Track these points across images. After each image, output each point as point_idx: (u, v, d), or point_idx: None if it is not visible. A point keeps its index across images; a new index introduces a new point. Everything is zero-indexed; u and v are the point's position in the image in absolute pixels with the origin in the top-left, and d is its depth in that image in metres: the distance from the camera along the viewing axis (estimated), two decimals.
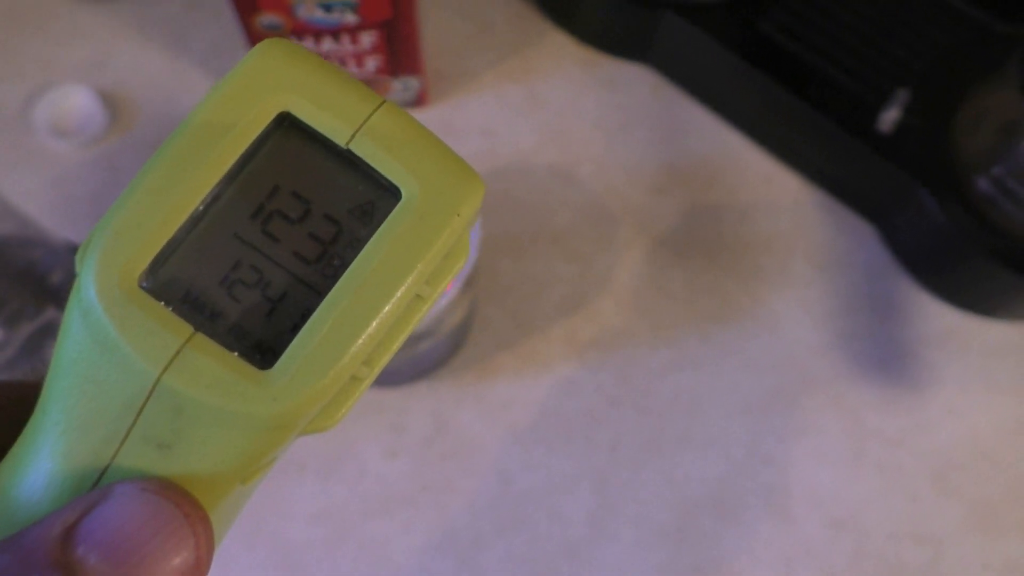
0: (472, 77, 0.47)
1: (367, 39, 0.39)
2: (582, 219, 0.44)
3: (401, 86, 0.43)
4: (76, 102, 0.43)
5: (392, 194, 0.16)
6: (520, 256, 0.43)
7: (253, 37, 0.38)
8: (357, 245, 0.16)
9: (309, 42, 0.39)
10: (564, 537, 0.38)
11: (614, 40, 0.47)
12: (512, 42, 0.48)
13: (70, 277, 0.34)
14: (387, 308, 0.15)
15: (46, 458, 0.15)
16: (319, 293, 0.16)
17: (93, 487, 0.15)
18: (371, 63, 0.41)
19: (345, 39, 0.39)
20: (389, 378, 0.39)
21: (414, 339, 0.33)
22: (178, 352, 0.15)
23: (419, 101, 0.45)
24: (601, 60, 0.48)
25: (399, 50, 0.40)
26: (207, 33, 0.46)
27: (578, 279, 0.43)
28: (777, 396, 0.41)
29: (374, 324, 0.15)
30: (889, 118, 0.41)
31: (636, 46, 0.46)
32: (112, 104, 0.44)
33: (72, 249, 0.37)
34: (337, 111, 0.16)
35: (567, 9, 0.47)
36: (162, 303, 0.15)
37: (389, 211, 0.16)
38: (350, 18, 0.37)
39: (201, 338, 0.15)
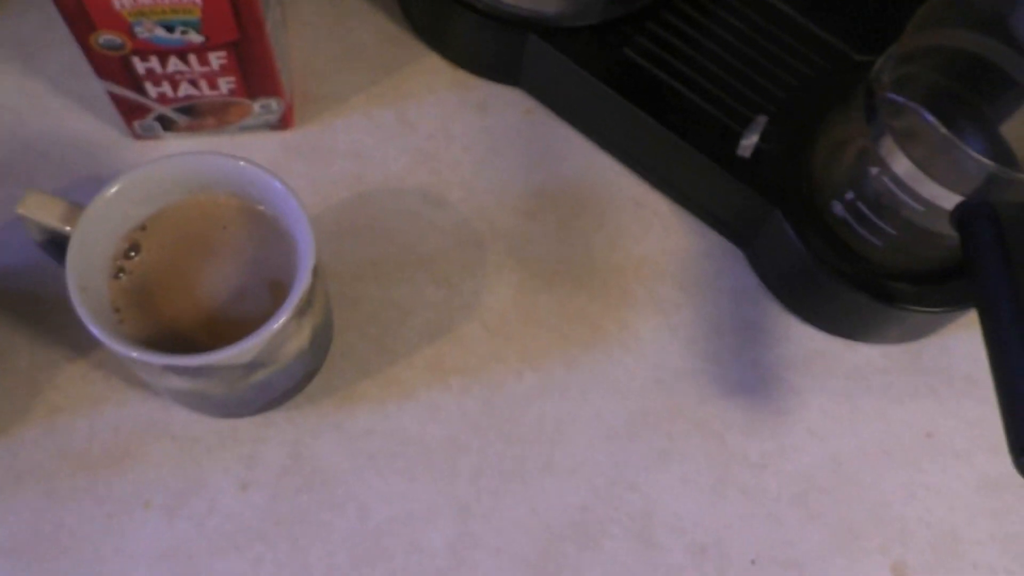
0: (341, 99, 0.46)
1: (216, 60, 0.38)
2: (450, 244, 0.44)
3: (260, 108, 0.42)
4: None
5: None
6: (385, 282, 0.42)
7: (93, 57, 0.37)
8: None
9: (154, 62, 0.37)
10: (422, 569, 0.37)
11: (485, 63, 0.47)
12: (384, 63, 0.47)
13: None
14: None
15: None
16: None
17: None
18: (224, 84, 0.40)
19: (193, 59, 0.38)
20: (235, 408, 0.37)
21: (246, 368, 0.31)
22: None
23: (283, 124, 0.44)
24: (474, 83, 0.47)
25: (252, 71, 0.39)
26: (62, 54, 0.45)
27: (445, 304, 0.42)
28: (642, 422, 0.41)
29: None
30: (748, 144, 0.41)
31: (507, 69, 0.46)
32: None
33: None
34: None
35: (438, 31, 0.47)
36: None
37: None
38: (195, 38, 0.36)
39: None
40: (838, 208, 0.40)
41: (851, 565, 0.40)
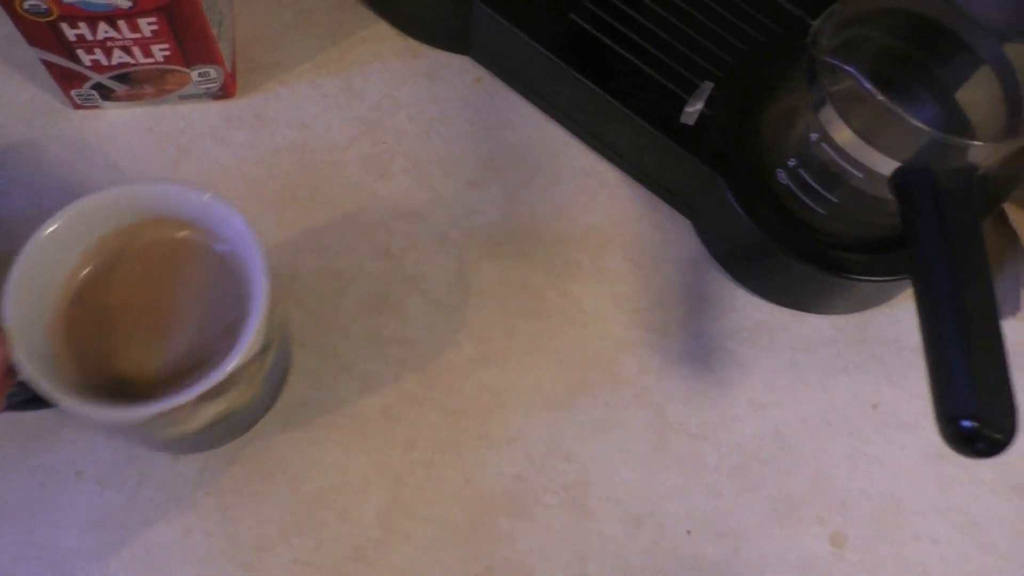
0: (287, 68, 0.46)
1: (147, 26, 0.37)
2: (393, 214, 0.43)
3: (199, 77, 0.42)
4: None
5: None
6: (325, 253, 0.42)
7: (20, 23, 0.37)
8: None
9: (83, 28, 0.37)
10: (353, 539, 0.37)
11: (433, 30, 0.46)
12: (331, 31, 0.47)
13: None
14: None
15: None
16: None
17: None
18: (158, 52, 0.39)
19: (123, 25, 0.37)
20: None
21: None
22: None
23: (225, 92, 0.43)
24: (423, 51, 0.47)
25: (186, 38, 0.39)
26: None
27: (386, 276, 0.42)
28: (581, 392, 0.41)
29: None
30: (692, 111, 0.41)
31: (455, 37, 0.45)
32: None
33: None
34: None
35: None
36: None
37: None
38: (122, 2, 0.36)
39: None
40: (782, 176, 0.40)
41: (789, 535, 0.39)
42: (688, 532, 0.39)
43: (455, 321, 0.41)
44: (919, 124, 0.33)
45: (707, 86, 0.41)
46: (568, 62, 0.42)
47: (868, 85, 0.33)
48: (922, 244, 0.33)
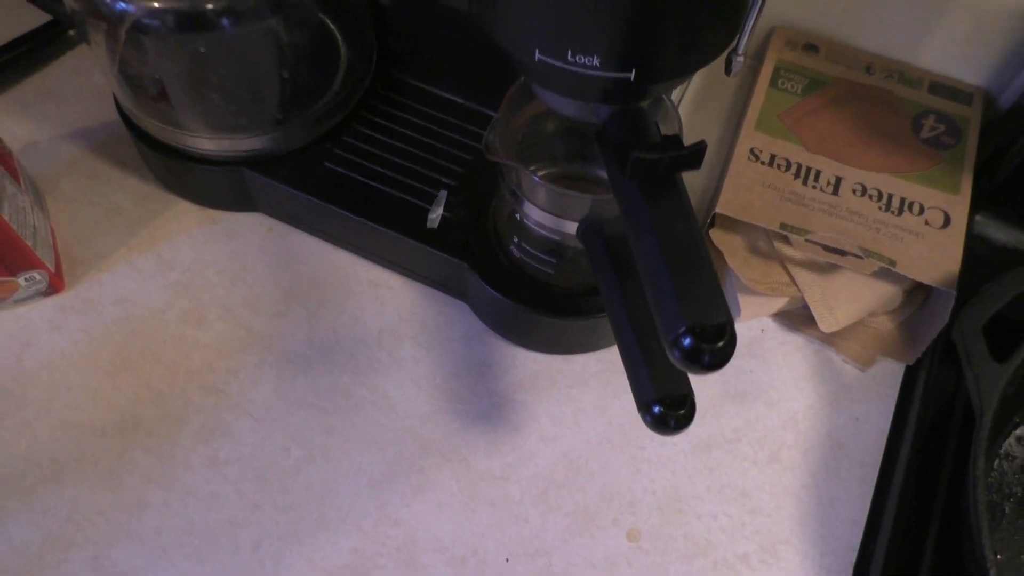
0: (105, 256, 0.54)
1: None
2: (214, 355, 0.51)
3: (26, 282, 0.49)
4: None
5: None
6: (160, 400, 0.49)
7: None
8: None
9: None
10: None
11: (221, 198, 0.55)
12: (140, 218, 0.55)
13: None
14: None
15: None
16: None
17: None
18: None
19: None
20: None
21: None
22: None
23: (54, 289, 0.51)
24: (220, 216, 0.55)
25: (5, 254, 0.46)
26: None
27: (214, 407, 0.49)
28: (398, 465, 0.48)
29: None
30: (434, 217, 0.50)
31: (241, 199, 0.54)
32: None
33: None
34: None
35: (179, 180, 0.55)
36: None
37: None
38: None
39: None
40: (515, 252, 0.49)
41: (591, 542, 0.46)
42: (507, 560, 0.46)
43: (281, 431, 0.49)
44: (571, 192, 0.42)
45: (443, 195, 0.50)
46: (330, 202, 0.51)
47: (525, 171, 0.42)
48: (601, 277, 0.42)
